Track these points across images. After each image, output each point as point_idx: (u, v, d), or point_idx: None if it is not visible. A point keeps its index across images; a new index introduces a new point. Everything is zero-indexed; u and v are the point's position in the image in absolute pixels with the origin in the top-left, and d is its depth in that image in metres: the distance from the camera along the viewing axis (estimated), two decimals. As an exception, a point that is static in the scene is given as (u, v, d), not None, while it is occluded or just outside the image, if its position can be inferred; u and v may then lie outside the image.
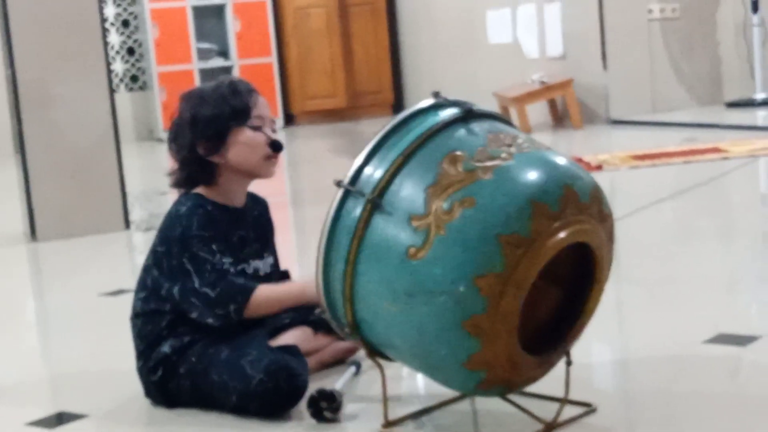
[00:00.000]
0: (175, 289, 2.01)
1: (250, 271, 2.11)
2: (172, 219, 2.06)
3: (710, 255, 3.04)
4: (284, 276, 2.24)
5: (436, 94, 1.76)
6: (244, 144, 2.07)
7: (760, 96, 6.60)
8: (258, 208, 2.20)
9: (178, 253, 2.02)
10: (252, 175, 2.12)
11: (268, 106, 2.16)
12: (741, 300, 2.54)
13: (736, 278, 2.74)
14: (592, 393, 1.86)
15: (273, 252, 2.21)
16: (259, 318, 2.15)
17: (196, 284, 2.00)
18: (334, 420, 1.86)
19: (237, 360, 1.95)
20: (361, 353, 2.12)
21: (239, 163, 2.08)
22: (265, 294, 2.05)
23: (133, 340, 2.08)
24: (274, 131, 2.12)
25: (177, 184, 2.11)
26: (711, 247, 3.19)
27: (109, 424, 2.01)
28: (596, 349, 2.15)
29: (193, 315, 2.01)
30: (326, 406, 1.86)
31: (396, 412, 1.83)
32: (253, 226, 2.15)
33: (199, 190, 2.10)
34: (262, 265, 2.15)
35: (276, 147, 2.10)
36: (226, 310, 2.01)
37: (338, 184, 1.70)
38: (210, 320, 2.01)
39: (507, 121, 1.80)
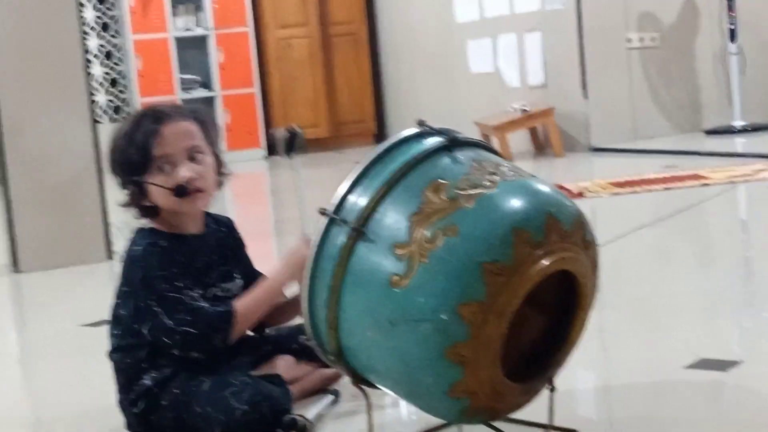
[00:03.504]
0: (145, 330, 1.99)
1: (221, 294, 2.08)
2: (131, 260, 2.02)
3: (691, 281, 3.06)
4: None
5: (420, 123, 1.78)
6: (154, 189, 2.02)
7: (738, 123, 6.66)
8: (222, 230, 2.16)
9: (144, 296, 1.99)
10: (178, 214, 2.06)
11: (185, 131, 2.03)
12: (722, 325, 2.56)
13: (716, 304, 2.76)
14: (576, 419, 1.86)
15: (246, 270, 2.17)
16: (241, 346, 2.15)
17: (171, 324, 1.96)
18: None
19: (220, 391, 1.94)
20: (343, 381, 2.13)
21: (161, 205, 2.04)
22: (244, 306, 2.03)
23: (113, 374, 2.06)
24: (193, 158, 2.02)
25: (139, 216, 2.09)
26: (691, 272, 3.21)
27: (93, 455, 2.01)
28: (579, 375, 2.16)
29: (175, 351, 2.00)
30: None
31: (381, 440, 1.84)
32: (217, 250, 2.12)
33: (153, 222, 2.07)
34: (233, 287, 2.12)
35: (179, 193, 2.01)
36: (211, 342, 1.99)
37: (322, 212, 1.70)
38: (195, 354, 2.00)
39: (491, 149, 1.82)
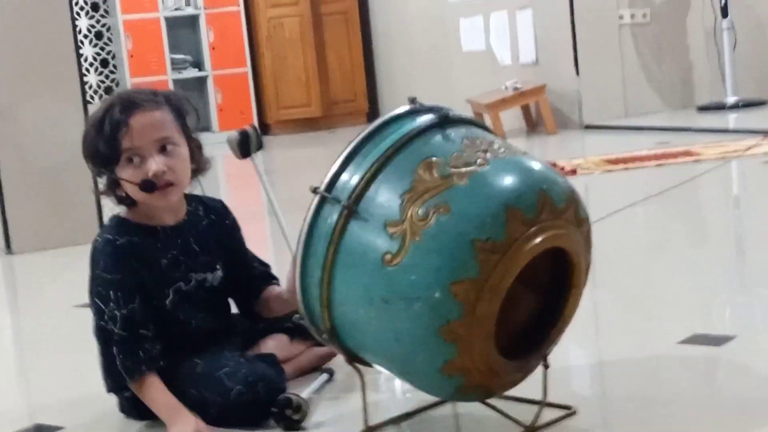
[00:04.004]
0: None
1: (190, 285, 2.03)
2: (91, 250, 1.99)
3: (684, 257, 3.06)
4: (270, 278, 2.19)
5: (412, 100, 1.77)
6: (124, 182, 1.98)
7: (730, 99, 6.66)
8: (210, 217, 2.11)
9: (90, 291, 1.97)
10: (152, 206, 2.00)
11: (155, 122, 1.96)
12: (715, 301, 2.56)
13: (709, 280, 2.76)
14: (570, 396, 1.87)
15: (236, 257, 2.14)
16: (234, 326, 2.14)
17: (95, 328, 1.96)
18: (299, 428, 1.86)
19: (213, 372, 1.93)
20: (337, 360, 2.13)
21: (133, 197, 1.99)
22: (148, 386, 1.92)
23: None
24: (164, 150, 1.96)
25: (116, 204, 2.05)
26: (684, 249, 3.21)
27: (88, 436, 2.01)
28: (573, 352, 2.16)
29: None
30: (291, 413, 1.86)
31: (376, 417, 1.84)
32: (198, 240, 2.06)
33: (129, 211, 2.03)
34: (212, 278, 2.07)
35: (146, 187, 1.95)
36: (105, 380, 1.96)
37: (314, 191, 1.70)
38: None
39: (484, 127, 1.81)
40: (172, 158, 1.97)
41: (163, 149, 1.97)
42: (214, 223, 2.12)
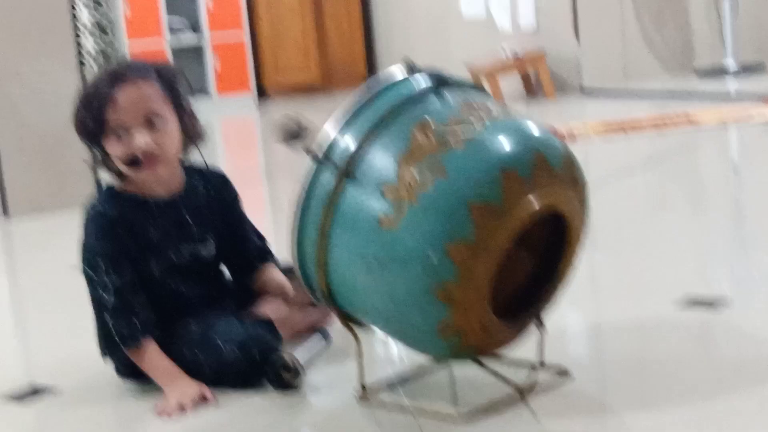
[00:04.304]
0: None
1: (182, 258, 2.02)
2: (83, 219, 1.99)
3: (681, 221, 3.07)
4: (266, 254, 2.18)
5: (408, 63, 1.76)
6: (111, 156, 1.97)
7: (730, 64, 6.63)
8: (208, 189, 2.09)
9: (81, 260, 1.97)
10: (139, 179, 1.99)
11: (141, 95, 1.93)
12: (712, 265, 2.56)
13: (706, 244, 2.77)
14: (566, 358, 1.87)
15: (234, 230, 2.12)
16: (227, 288, 2.14)
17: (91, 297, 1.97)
18: (293, 387, 1.86)
19: (208, 334, 1.94)
20: (333, 322, 2.14)
21: (122, 170, 1.99)
22: (147, 351, 1.93)
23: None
24: (150, 123, 1.93)
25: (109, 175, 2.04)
26: (682, 213, 3.22)
27: (84, 397, 2.01)
28: (569, 315, 2.16)
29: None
30: (285, 373, 1.87)
31: (372, 379, 1.84)
32: (192, 212, 2.04)
33: (123, 182, 2.01)
34: (204, 251, 2.06)
35: (132, 163, 1.94)
36: (101, 349, 1.97)
37: (310, 154, 1.69)
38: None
39: (481, 90, 1.80)
40: (158, 133, 1.95)
41: (149, 123, 1.94)
42: (212, 198, 2.09)
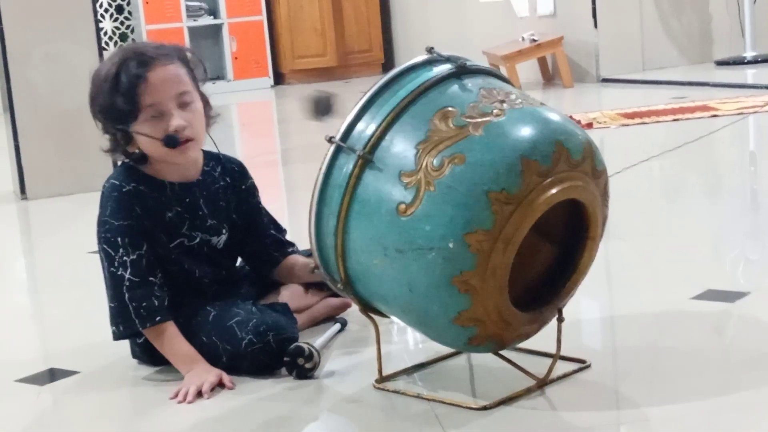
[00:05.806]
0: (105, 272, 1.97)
1: (194, 242, 2.02)
2: (101, 194, 1.98)
3: (699, 212, 3.05)
4: (286, 245, 2.17)
5: (429, 50, 1.76)
6: (142, 138, 1.95)
7: (749, 54, 6.60)
8: (225, 179, 2.08)
9: (98, 237, 1.97)
10: (167, 162, 1.98)
11: (173, 76, 1.94)
12: (729, 257, 2.56)
13: (724, 235, 2.76)
14: (583, 349, 1.87)
15: (250, 220, 2.11)
16: (242, 275, 2.14)
17: (105, 276, 1.96)
18: (311, 376, 1.86)
19: (225, 321, 1.94)
20: (351, 310, 2.14)
21: (149, 153, 1.97)
22: (164, 334, 1.93)
23: None
24: (182, 105, 1.94)
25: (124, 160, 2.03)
26: (699, 204, 3.20)
27: (101, 381, 2.02)
28: (586, 305, 2.16)
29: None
30: (303, 362, 1.87)
31: (389, 368, 1.84)
32: (208, 200, 2.04)
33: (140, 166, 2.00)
34: (216, 240, 2.05)
35: (170, 143, 1.93)
36: (116, 327, 1.95)
37: (330, 140, 1.69)
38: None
39: (501, 77, 1.80)
40: (190, 113, 1.96)
41: (182, 104, 1.95)
42: (228, 187, 2.09)
